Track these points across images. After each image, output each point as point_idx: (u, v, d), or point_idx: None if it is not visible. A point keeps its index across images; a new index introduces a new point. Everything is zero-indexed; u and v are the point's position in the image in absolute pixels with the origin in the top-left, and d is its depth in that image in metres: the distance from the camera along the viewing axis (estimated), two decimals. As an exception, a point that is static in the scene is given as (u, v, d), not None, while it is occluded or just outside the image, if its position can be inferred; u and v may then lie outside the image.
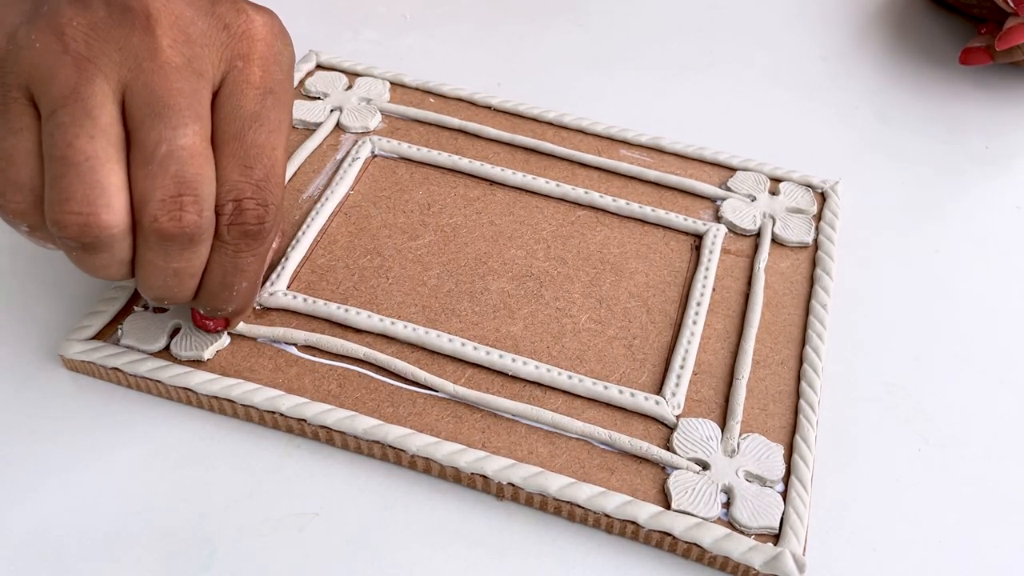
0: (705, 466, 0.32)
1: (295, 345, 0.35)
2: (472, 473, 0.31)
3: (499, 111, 0.46)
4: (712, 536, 0.30)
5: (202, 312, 0.33)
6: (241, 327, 0.35)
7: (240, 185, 0.29)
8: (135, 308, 0.35)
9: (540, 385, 0.34)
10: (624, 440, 0.32)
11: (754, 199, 0.42)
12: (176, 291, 0.30)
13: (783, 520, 0.31)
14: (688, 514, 0.31)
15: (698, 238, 0.40)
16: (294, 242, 0.38)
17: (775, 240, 0.40)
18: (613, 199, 0.41)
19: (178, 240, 0.28)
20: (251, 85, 0.29)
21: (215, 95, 0.29)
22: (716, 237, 0.40)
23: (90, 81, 0.26)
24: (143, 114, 0.27)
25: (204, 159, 0.28)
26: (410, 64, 0.49)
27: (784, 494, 0.32)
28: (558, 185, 0.41)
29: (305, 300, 0.36)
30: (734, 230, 0.40)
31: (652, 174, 0.42)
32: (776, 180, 0.43)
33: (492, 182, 0.42)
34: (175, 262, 0.29)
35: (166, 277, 0.29)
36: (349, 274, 0.37)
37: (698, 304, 0.37)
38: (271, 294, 0.36)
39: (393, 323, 0.35)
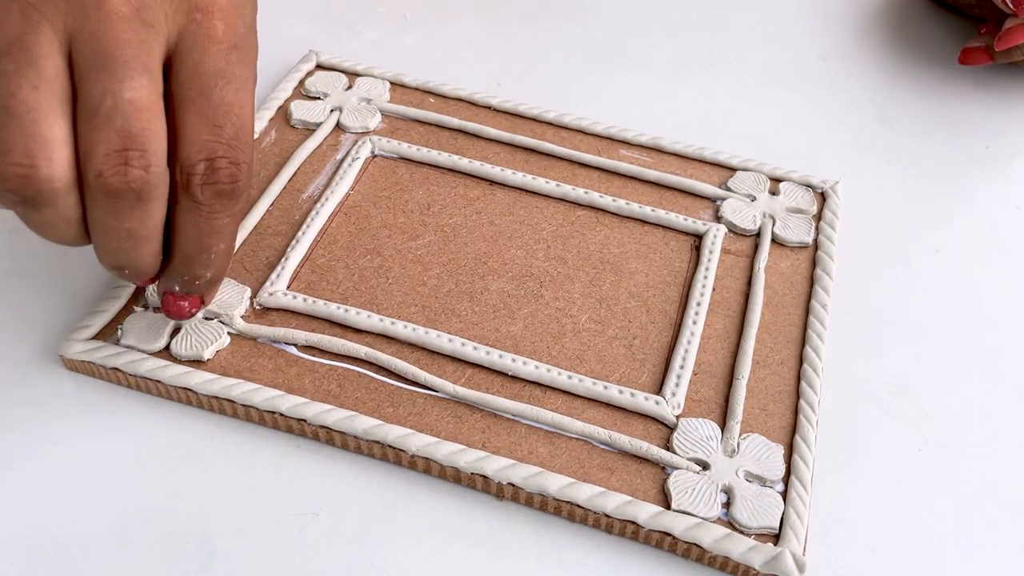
0: (705, 466, 0.32)
1: (295, 345, 0.35)
2: (472, 473, 0.31)
3: (499, 111, 0.46)
4: (712, 536, 0.30)
5: (178, 288, 0.31)
6: (241, 327, 0.35)
7: (211, 144, 0.28)
8: (135, 308, 0.35)
9: (540, 385, 0.34)
10: (624, 440, 0.32)
11: (754, 199, 0.42)
12: (133, 256, 0.29)
13: (783, 520, 0.31)
14: (688, 514, 0.31)
15: (698, 238, 0.40)
16: (294, 242, 0.38)
17: (775, 240, 0.40)
18: (613, 199, 0.41)
19: (125, 196, 0.27)
20: (213, 40, 0.28)
21: (174, 50, 0.28)
22: (716, 237, 0.40)
23: (36, 30, 0.26)
24: (88, 66, 0.26)
25: (152, 114, 0.27)
26: (410, 64, 0.49)
27: (784, 494, 0.32)
28: (558, 185, 0.41)
29: (305, 300, 0.36)
30: (734, 230, 0.40)
31: (652, 174, 0.42)
32: (776, 180, 0.43)
33: (492, 182, 0.42)
34: (126, 222, 0.28)
35: (120, 239, 0.28)
36: (349, 274, 0.37)
37: (698, 304, 0.37)
38: (271, 294, 0.36)
39: (393, 323, 0.35)
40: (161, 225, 0.29)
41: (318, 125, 0.44)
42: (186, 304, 0.32)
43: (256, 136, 0.43)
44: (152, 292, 0.36)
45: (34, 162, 0.26)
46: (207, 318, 0.35)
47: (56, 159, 0.26)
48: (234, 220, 0.30)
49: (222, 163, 0.28)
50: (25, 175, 0.26)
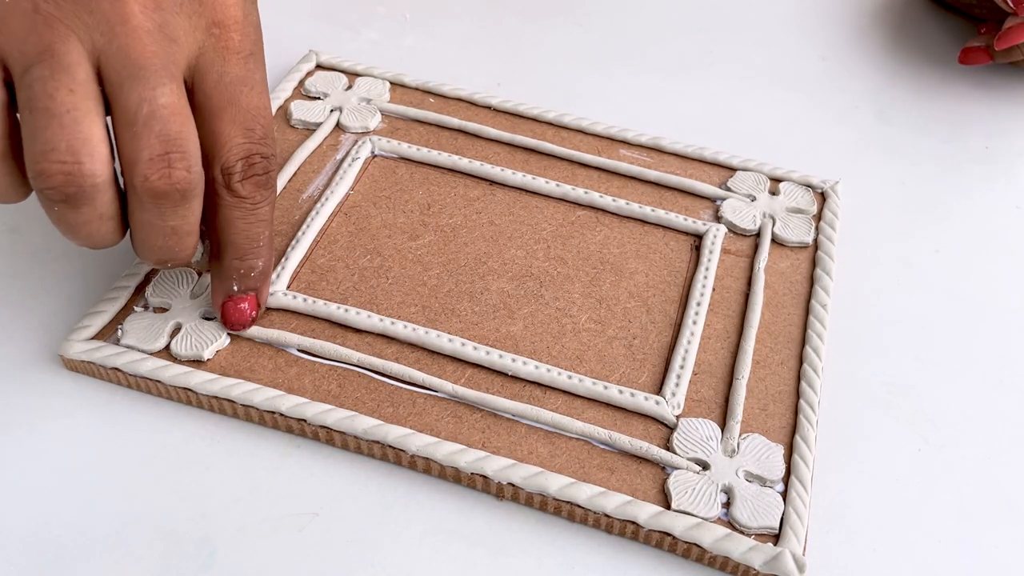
0: (705, 466, 0.32)
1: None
2: (472, 473, 0.31)
3: (499, 111, 0.46)
4: (712, 536, 0.30)
5: (236, 287, 0.33)
6: (241, 327, 0.35)
7: (246, 146, 0.30)
8: (135, 308, 0.35)
9: (540, 385, 0.34)
10: (624, 440, 0.32)
11: (754, 199, 0.42)
12: (176, 250, 0.31)
13: (783, 520, 0.31)
14: (688, 514, 0.31)
15: (698, 238, 0.40)
16: (294, 242, 0.38)
17: (775, 240, 0.40)
18: (613, 199, 0.41)
19: (171, 197, 0.29)
20: (232, 51, 0.30)
21: (195, 63, 0.30)
22: (716, 237, 0.40)
23: (64, 40, 0.27)
24: (121, 77, 0.28)
25: (185, 117, 0.29)
26: (410, 64, 0.49)
27: (784, 494, 0.32)
28: (558, 185, 0.41)
29: (305, 300, 0.36)
30: (734, 230, 0.40)
31: (652, 174, 0.42)
32: (776, 180, 0.43)
33: (492, 182, 0.42)
34: (171, 220, 0.29)
35: (165, 236, 0.30)
36: (349, 274, 0.37)
37: (698, 304, 0.37)
38: (271, 294, 0.36)
39: (393, 323, 0.35)
40: (199, 219, 0.31)
41: (318, 125, 0.44)
42: (246, 306, 0.34)
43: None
44: (152, 293, 0.36)
45: (78, 159, 0.27)
46: (207, 318, 0.35)
47: (97, 155, 0.27)
48: (271, 207, 0.33)
49: (256, 159, 0.31)
50: (70, 171, 0.27)
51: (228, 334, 0.35)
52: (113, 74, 0.28)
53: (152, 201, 0.29)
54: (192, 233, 0.31)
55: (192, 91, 0.30)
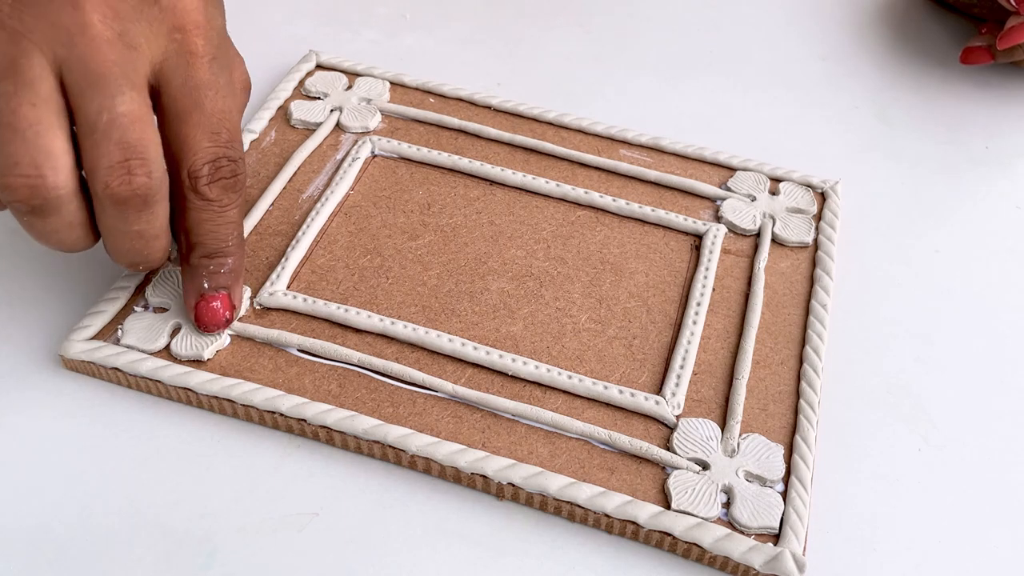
0: (705, 466, 0.32)
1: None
2: (472, 473, 0.31)
3: (499, 111, 0.46)
4: (712, 536, 0.30)
5: (206, 285, 0.33)
6: (240, 327, 0.35)
7: (212, 150, 0.31)
8: (135, 308, 0.35)
9: (540, 385, 0.34)
10: (624, 440, 0.32)
11: (754, 199, 0.42)
12: (146, 253, 0.32)
13: (783, 520, 0.31)
14: (688, 514, 0.31)
15: (698, 238, 0.40)
16: (294, 242, 0.38)
17: (775, 240, 0.40)
18: (613, 199, 0.41)
19: (132, 203, 0.29)
20: (195, 55, 0.31)
21: (159, 69, 0.30)
22: (716, 237, 0.40)
23: (27, 54, 0.27)
24: (81, 87, 0.28)
25: (146, 123, 0.29)
26: (410, 64, 0.49)
27: (784, 494, 0.32)
28: (558, 185, 0.41)
29: (305, 300, 0.36)
30: (734, 230, 0.40)
31: (652, 174, 0.42)
32: (776, 180, 0.43)
33: (492, 182, 0.42)
34: (135, 225, 0.30)
35: (132, 240, 0.31)
36: (349, 274, 0.37)
37: (698, 304, 0.37)
38: (271, 294, 0.36)
39: (393, 323, 0.35)
40: (167, 222, 0.31)
41: (318, 125, 0.44)
42: (218, 305, 0.34)
43: (256, 136, 0.43)
44: (152, 293, 0.36)
45: (41, 172, 0.28)
46: (207, 318, 0.35)
47: (60, 168, 0.28)
48: (240, 209, 0.33)
49: (223, 162, 0.31)
50: (33, 185, 0.28)
51: (228, 334, 0.35)
52: (74, 84, 0.28)
53: (115, 207, 0.29)
54: (159, 236, 0.31)
55: (158, 96, 0.30)
